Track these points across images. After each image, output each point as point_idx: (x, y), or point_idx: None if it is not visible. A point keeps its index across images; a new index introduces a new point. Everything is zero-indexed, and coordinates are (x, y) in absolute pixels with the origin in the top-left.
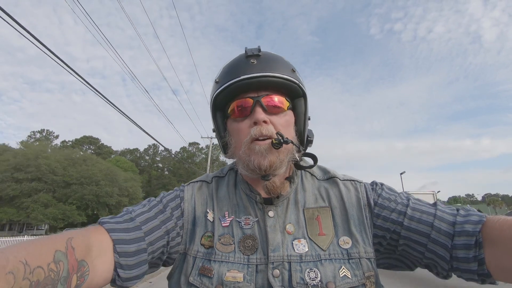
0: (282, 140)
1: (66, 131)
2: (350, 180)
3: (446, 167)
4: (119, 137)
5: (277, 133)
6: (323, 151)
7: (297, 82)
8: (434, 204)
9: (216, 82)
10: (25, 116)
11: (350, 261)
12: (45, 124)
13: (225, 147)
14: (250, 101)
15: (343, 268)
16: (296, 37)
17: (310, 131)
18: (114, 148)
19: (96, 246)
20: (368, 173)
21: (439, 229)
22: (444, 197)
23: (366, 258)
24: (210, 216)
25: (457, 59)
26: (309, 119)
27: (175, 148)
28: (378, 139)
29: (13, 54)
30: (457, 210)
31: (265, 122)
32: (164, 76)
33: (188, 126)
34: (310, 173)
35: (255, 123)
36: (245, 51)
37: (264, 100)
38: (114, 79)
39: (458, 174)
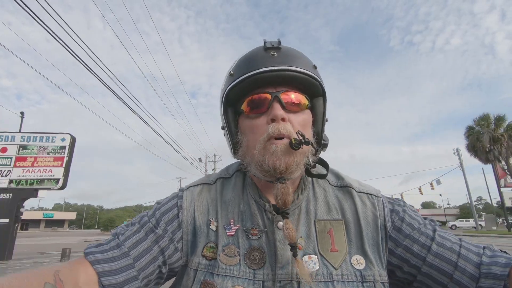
0: (303, 141)
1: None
2: (367, 194)
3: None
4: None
5: (298, 132)
6: (331, 153)
7: (319, 79)
8: (459, 240)
9: (231, 75)
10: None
11: (364, 284)
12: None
13: (235, 146)
14: (268, 96)
15: None
16: (318, 46)
17: (325, 135)
18: None
19: (82, 279)
20: (376, 178)
21: (464, 270)
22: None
23: (380, 282)
24: (213, 225)
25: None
26: (326, 121)
27: None
28: (386, 144)
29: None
30: (483, 248)
31: (283, 119)
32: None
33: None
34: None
35: (273, 120)
36: (264, 43)
37: (283, 96)
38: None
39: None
